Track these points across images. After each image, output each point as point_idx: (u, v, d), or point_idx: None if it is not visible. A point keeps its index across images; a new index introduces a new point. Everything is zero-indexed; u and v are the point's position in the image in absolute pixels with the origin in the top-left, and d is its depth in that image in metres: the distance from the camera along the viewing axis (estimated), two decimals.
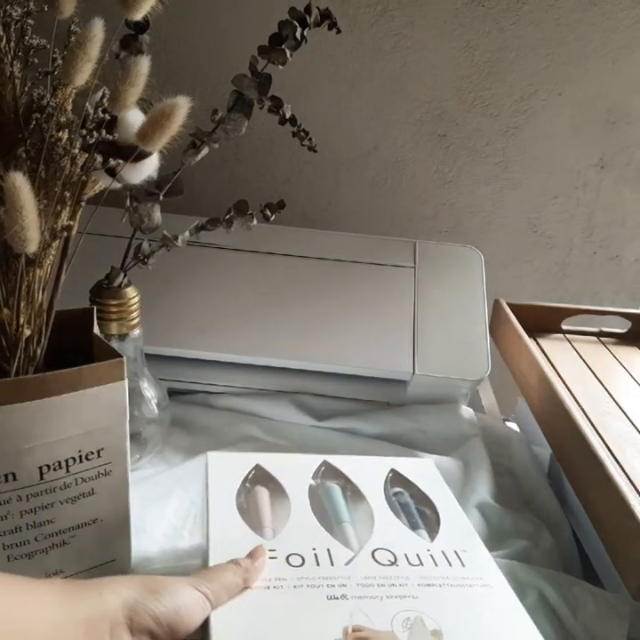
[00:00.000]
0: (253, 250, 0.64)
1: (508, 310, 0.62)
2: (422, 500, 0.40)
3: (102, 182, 0.37)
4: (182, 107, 0.34)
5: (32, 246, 0.31)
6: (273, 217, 0.45)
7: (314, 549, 0.33)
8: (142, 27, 0.40)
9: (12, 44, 0.32)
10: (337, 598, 0.30)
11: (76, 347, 0.38)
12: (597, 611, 0.38)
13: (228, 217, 0.45)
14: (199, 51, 0.72)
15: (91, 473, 0.36)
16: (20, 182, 0.29)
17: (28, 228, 0.30)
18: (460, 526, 0.37)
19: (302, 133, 0.43)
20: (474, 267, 0.66)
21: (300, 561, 0.32)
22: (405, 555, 0.33)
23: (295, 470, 0.40)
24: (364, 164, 0.77)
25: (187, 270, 0.61)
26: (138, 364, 0.47)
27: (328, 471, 0.40)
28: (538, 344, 0.63)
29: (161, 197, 0.43)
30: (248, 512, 0.36)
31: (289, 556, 0.32)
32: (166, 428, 0.50)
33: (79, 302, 0.41)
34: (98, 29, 0.31)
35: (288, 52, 0.42)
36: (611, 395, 0.55)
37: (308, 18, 0.41)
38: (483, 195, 0.78)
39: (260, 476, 0.39)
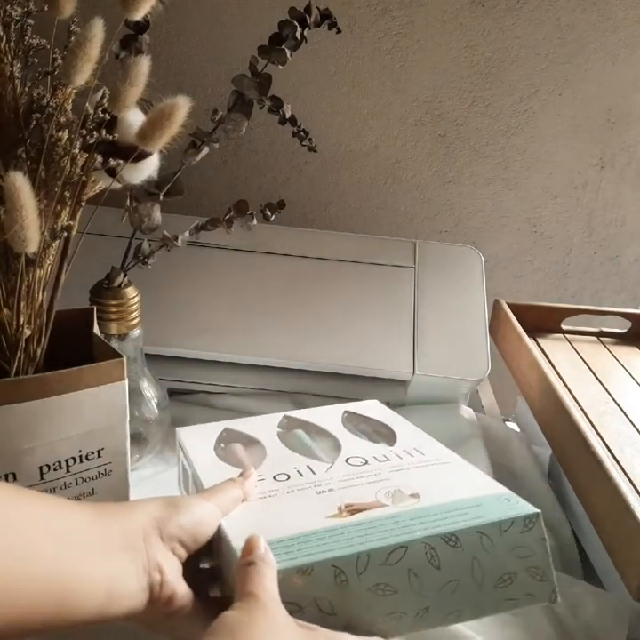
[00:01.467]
0: (253, 250, 0.64)
1: (508, 310, 0.62)
2: (377, 425, 0.44)
3: (102, 182, 0.37)
4: (182, 107, 0.34)
5: (32, 246, 0.31)
6: (273, 217, 0.45)
7: (295, 468, 0.37)
8: (142, 27, 0.40)
9: (12, 43, 0.32)
10: (325, 492, 0.34)
11: (77, 347, 0.38)
12: (597, 611, 0.38)
13: (227, 217, 0.45)
14: (199, 51, 0.72)
15: (91, 473, 0.36)
16: (20, 182, 0.29)
17: (28, 228, 0.30)
18: (416, 434, 0.42)
19: (302, 133, 0.43)
20: (474, 267, 0.66)
21: (286, 477, 0.36)
22: (374, 457, 0.38)
23: (261, 426, 0.43)
24: (364, 164, 0.77)
25: (187, 270, 0.61)
26: (138, 364, 0.47)
27: (291, 422, 0.44)
28: (538, 344, 0.63)
29: (161, 197, 0.43)
30: (228, 460, 0.39)
31: (275, 475, 0.36)
32: (166, 428, 0.50)
33: (79, 302, 0.41)
34: (98, 29, 0.31)
35: (288, 52, 0.42)
36: (610, 395, 0.55)
37: (308, 18, 0.41)
38: (483, 194, 0.78)
39: (230, 437, 0.42)
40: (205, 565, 0.31)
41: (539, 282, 0.82)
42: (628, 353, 0.63)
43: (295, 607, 0.26)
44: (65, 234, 0.35)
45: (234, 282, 0.62)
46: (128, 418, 0.37)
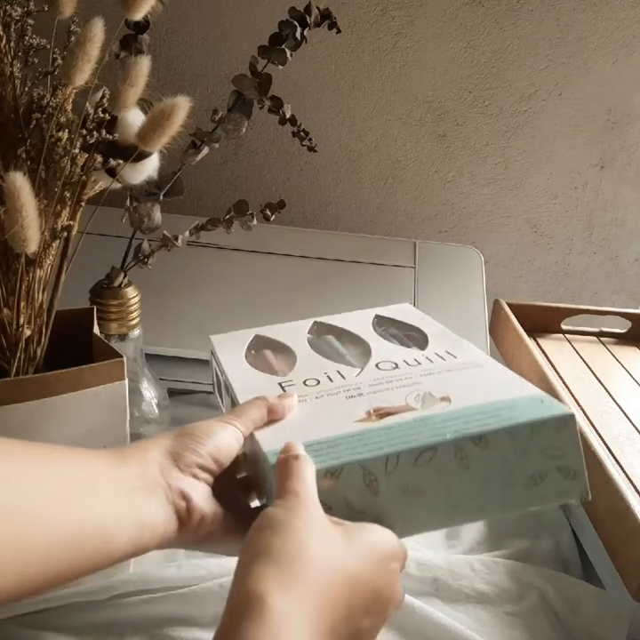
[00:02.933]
0: (253, 250, 0.64)
1: (508, 310, 0.62)
2: (408, 328, 0.43)
3: (102, 182, 0.37)
4: (182, 107, 0.34)
5: (32, 246, 0.31)
6: (273, 217, 0.45)
7: (325, 373, 0.36)
8: (142, 27, 0.40)
9: (12, 43, 0.32)
10: (355, 397, 0.33)
11: (77, 347, 0.38)
12: (597, 611, 0.38)
13: (227, 217, 0.45)
14: (199, 51, 0.72)
15: None
16: (20, 182, 0.29)
17: (28, 228, 0.30)
18: (446, 336, 0.41)
19: (302, 133, 0.43)
20: (474, 266, 0.66)
21: (316, 382, 0.36)
22: (404, 360, 0.37)
23: (291, 332, 0.43)
24: (364, 164, 0.77)
25: (187, 270, 0.61)
26: (138, 363, 0.47)
27: (321, 328, 0.44)
28: (538, 344, 0.63)
29: (161, 197, 0.43)
30: (259, 366, 0.39)
31: (305, 380, 0.36)
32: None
33: (79, 302, 0.41)
34: (98, 29, 0.31)
35: (288, 52, 0.42)
36: (610, 395, 0.55)
37: (308, 18, 0.41)
38: (483, 194, 0.78)
39: (261, 343, 0.42)
40: (243, 475, 0.32)
41: (539, 282, 0.82)
42: (627, 353, 0.63)
43: (325, 507, 0.26)
44: (65, 234, 0.35)
45: (234, 282, 0.62)
46: (128, 418, 0.37)
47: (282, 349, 0.41)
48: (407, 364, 0.37)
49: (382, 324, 0.44)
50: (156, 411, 0.49)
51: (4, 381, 0.33)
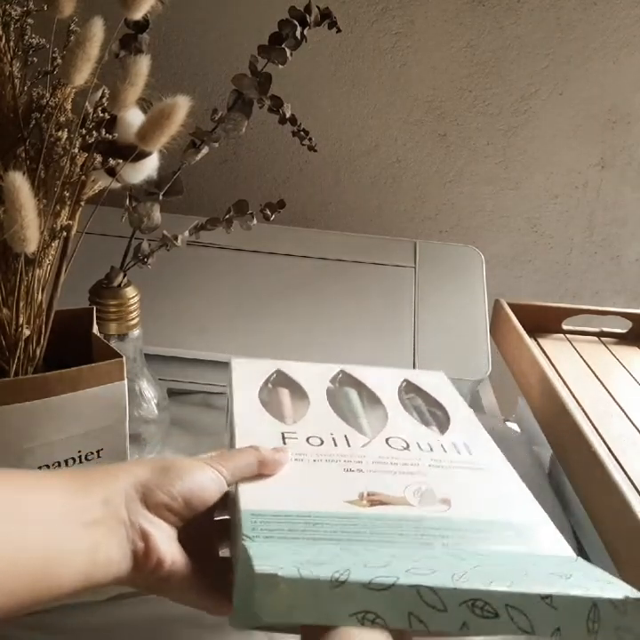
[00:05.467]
0: (253, 250, 0.64)
1: (509, 310, 0.62)
2: (434, 404, 0.41)
3: (102, 182, 0.37)
4: (182, 106, 0.34)
5: (31, 246, 0.31)
6: (273, 217, 0.45)
7: (331, 434, 0.35)
8: (142, 26, 0.40)
9: (12, 43, 0.32)
10: (353, 471, 0.32)
11: (76, 347, 0.38)
12: None
13: (227, 217, 0.45)
14: (199, 50, 0.72)
15: None
16: (19, 182, 0.29)
17: (27, 228, 0.30)
18: (470, 425, 0.39)
19: (302, 133, 0.43)
20: (474, 266, 0.66)
21: (319, 442, 0.34)
22: (417, 443, 0.35)
23: (314, 376, 0.41)
24: (364, 164, 0.77)
25: (187, 270, 0.61)
26: (137, 364, 0.47)
27: (345, 378, 0.42)
28: (538, 344, 0.63)
29: (160, 197, 0.43)
30: (270, 405, 0.38)
31: (309, 437, 0.34)
32: (166, 429, 0.50)
33: (79, 302, 0.41)
34: (97, 29, 0.31)
35: (288, 52, 0.42)
36: (611, 395, 0.55)
37: (308, 17, 0.41)
38: (483, 194, 0.78)
39: (280, 380, 0.41)
40: (222, 517, 0.30)
41: (539, 282, 0.82)
42: (628, 353, 0.63)
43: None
44: (64, 233, 0.35)
45: (234, 282, 0.62)
46: (127, 418, 0.37)
47: (298, 392, 0.39)
48: (419, 447, 0.35)
49: (409, 391, 0.42)
50: (156, 411, 0.49)
51: (2, 382, 0.33)
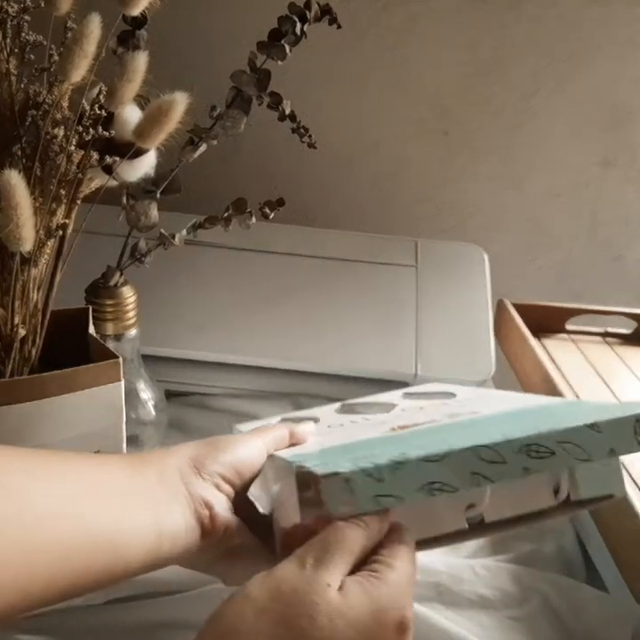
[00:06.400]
0: (252, 248, 0.64)
1: (512, 310, 0.62)
2: (438, 394, 0.43)
3: (98, 180, 0.37)
4: (180, 103, 0.34)
5: (27, 245, 0.31)
6: (272, 215, 0.45)
7: (351, 420, 0.38)
8: (140, 22, 0.40)
9: (8, 40, 0.32)
10: (380, 424, 0.33)
11: (72, 347, 0.38)
12: (601, 615, 0.38)
13: (226, 215, 0.45)
14: (198, 47, 0.72)
15: None
16: (15, 180, 0.29)
17: (22, 227, 0.30)
18: (479, 390, 0.41)
19: (302, 130, 0.43)
20: (477, 265, 0.66)
21: (340, 425, 0.36)
22: (431, 403, 0.38)
23: (318, 411, 0.43)
24: (365, 162, 0.77)
25: (184, 270, 0.61)
26: (134, 364, 0.47)
27: (347, 406, 0.44)
28: (542, 344, 0.63)
29: (158, 195, 0.43)
30: None
31: (330, 424, 0.37)
32: (163, 431, 0.50)
33: (75, 302, 0.41)
34: (95, 25, 0.32)
35: (287, 48, 0.42)
36: (616, 396, 0.55)
37: (307, 13, 0.41)
38: (485, 193, 0.78)
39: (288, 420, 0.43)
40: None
41: (542, 281, 0.82)
42: (633, 353, 0.63)
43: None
44: (60, 232, 0.35)
45: (232, 281, 0.62)
46: (125, 420, 0.38)
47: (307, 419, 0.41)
48: (433, 406, 0.37)
49: (411, 395, 0.44)
50: (153, 412, 0.49)
51: None
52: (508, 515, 0.28)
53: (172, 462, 0.27)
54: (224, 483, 0.28)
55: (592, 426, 0.25)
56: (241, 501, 0.28)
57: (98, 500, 0.25)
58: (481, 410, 0.33)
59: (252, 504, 0.29)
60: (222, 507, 0.27)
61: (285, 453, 0.30)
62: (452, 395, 0.41)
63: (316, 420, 0.40)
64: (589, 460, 0.25)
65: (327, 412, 0.43)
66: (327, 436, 0.34)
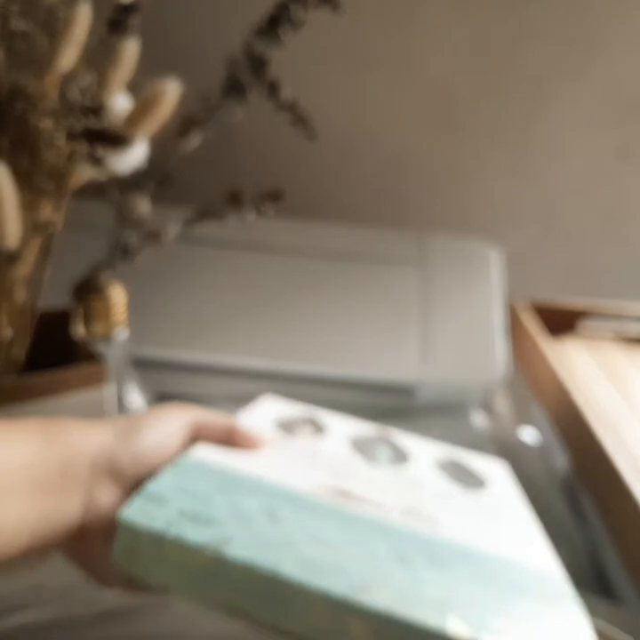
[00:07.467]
0: (248, 245, 0.64)
1: (522, 310, 0.62)
2: (473, 476, 0.37)
3: (88, 173, 0.37)
4: (172, 92, 0.34)
5: (13, 241, 0.31)
6: (270, 208, 0.46)
7: (335, 455, 0.32)
8: (131, 9, 0.40)
9: None
10: (339, 474, 0.29)
11: (60, 349, 0.38)
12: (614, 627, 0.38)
13: (221, 209, 0.45)
14: (192, 33, 0.73)
15: None
16: (1, 174, 0.29)
17: (8, 222, 0.30)
18: (512, 509, 0.33)
19: (302, 119, 0.44)
20: (488, 262, 0.66)
21: (317, 454, 0.31)
22: (432, 486, 0.32)
23: (345, 426, 0.39)
24: (369, 153, 0.78)
25: (177, 268, 0.61)
26: (123, 367, 0.48)
27: (379, 436, 0.39)
28: (554, 346, 0.63)
29: (150, 189, 0.43)
30: (281, 430, 0.36)
31: (307, 447, 0.32)
32: None
33: (61, 302, 0.42)
34: (85, 13, 0.32)
35: (286, 34, 0.42)
36: (632, 401, 0.55)
37: None
38: (496, 186, 0.78)
39: (305, 417, 0.39)
40: None
41: (555, 280, 0.83)
42: None
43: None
44: (48, 229, 0.35)
45: (228, 280, 0.62)
46: None
47: (320, 433, 0.37)
48: (432, 490, 0.31)
49: (450, 467, 0.38)
50: None
51: None
52: None
53: (88, 449, 0.25)
54: (132, 481, 0.26)
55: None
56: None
57: None
58: (439, 520, 0.27)
59: None
60: (110, 511, 0.25)
61: (195, 455, 0.26)
62: (481, 484, 0.35)
63: (321, 429, 0.37)
64: None
65: (343, 433, 0.37)
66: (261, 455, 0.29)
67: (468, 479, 0.36)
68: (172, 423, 0.27)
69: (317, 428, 0.39)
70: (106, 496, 0.25)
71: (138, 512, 0.21)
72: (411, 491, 0.30)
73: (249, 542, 0.20)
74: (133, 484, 0.26)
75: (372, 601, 0.19)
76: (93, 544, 0.25)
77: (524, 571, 0.25)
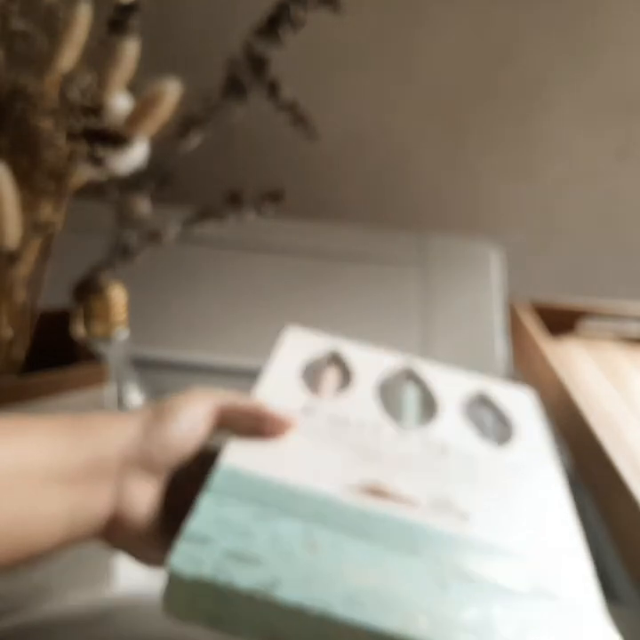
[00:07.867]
0: (248, 245, 0.64)
1: (522, 311, 0.62)
2: (502, 419, 0.38)
3: (88, 173, 0.37)
4: (173, 92, 0.34)
5: (12, 241, 0.31)
6: (270, 208, 0.46)
7: (363, 421, 0.32)
8: (131, 9, 0.40)
9: None
10: (368, 460, 0.29)
11: (61, 350, 0.38)
12: (615, 627, 0.38)
13: (221, 209, 0.45)
14: (192, 33, 0.73)
15: None
16: (1, 173, 0.29)
17: (8, 222, 0.30)
18: (537, 451, 0.35)
19: (302, 119, 0.44)
20: (489, 262, 0.66)
21: (345, 423, 0.32)
22: (460, 451, 0.33)
23: (373, 363, 0.39)
24: (370, 153, 0.78)
25: (178, 268, 0.62)
26: (124, 368, 0.48)
27: (407, 374, 0.40)
28: (554, 346, 0.63)
29: (150, 189, 0.43)
30: (307, 378, 0.36)
31: (332, 416, 0.32)
32: None
33: (61, 302, 0.42)
34: (85, 13, 0.32)
35: (286, 34, 0.42)
36: (632, 402, 0.55)
37: None
38: (497, 185, 0.79)
39: (333, 358, 0.39)
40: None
41: (555, 280, 0.83)
42: None
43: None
44: (48, 229, 0.36)
45: (228, 280, 0.62)
46: None
47: (348, 376, 0.38)
48: (461, 455, 0.32)
49: (479, 406, 0.39)
50: None
51: None
52: None
53: (116, 442, 0.26)
54: (163, 473, 0.26)
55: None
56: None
57: (13, 481, 0.23)
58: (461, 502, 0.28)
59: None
60: (142, 506, 0.26)
61: (229, 448, 0.27)
62: (509, 434, 0.36)
63: (352, 376, 0.37)
64: None
65: (372, 375, 0.37)
66: (293, 438, 0.29)
67: (497, 426, 0.37)
68: (198, 410, 0.28)
69: (344, 370, 0.39)
70: (138, 486, 0.26)
71: (184, 559, 0.22)
72: (440, 469, 0.31)
73: (296, 582, 0.22)
74: (165, 470, 0.26)
75: (417, 631, 0.21)
76: (131, 531, 0.26)
77: (554, 598, 0.26)
